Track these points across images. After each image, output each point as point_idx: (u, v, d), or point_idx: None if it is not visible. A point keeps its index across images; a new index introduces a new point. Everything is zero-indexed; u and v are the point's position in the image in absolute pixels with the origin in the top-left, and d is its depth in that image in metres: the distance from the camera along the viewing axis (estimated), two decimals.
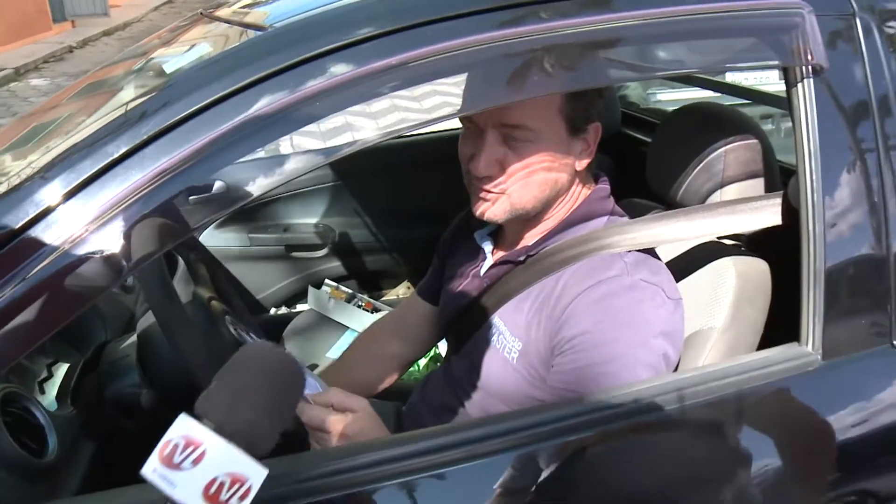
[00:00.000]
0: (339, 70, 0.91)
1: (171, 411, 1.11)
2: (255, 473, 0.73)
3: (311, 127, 0.91)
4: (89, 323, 1.48)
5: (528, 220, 1.29)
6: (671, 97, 3.23)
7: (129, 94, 1.13)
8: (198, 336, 1.21)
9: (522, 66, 0.97)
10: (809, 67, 1.10)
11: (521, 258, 1.32)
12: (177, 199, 0.88)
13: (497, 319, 1.32)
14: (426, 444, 1.02)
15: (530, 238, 1.33)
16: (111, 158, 0.88)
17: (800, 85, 1.11)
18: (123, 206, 0.87)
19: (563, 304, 1.20)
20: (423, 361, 2.13)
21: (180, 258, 1.48)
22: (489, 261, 1.41)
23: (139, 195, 0.87)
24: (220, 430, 0.74)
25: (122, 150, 0.88)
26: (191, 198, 0.89)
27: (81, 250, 0.86)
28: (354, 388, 1.60)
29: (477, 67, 0.96)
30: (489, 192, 1.23)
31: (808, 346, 1.13)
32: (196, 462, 0.71)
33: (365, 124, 0.94)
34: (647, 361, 1.15)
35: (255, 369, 0.81)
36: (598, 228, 1.28)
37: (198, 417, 0.75)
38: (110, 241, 0.87)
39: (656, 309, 1.18)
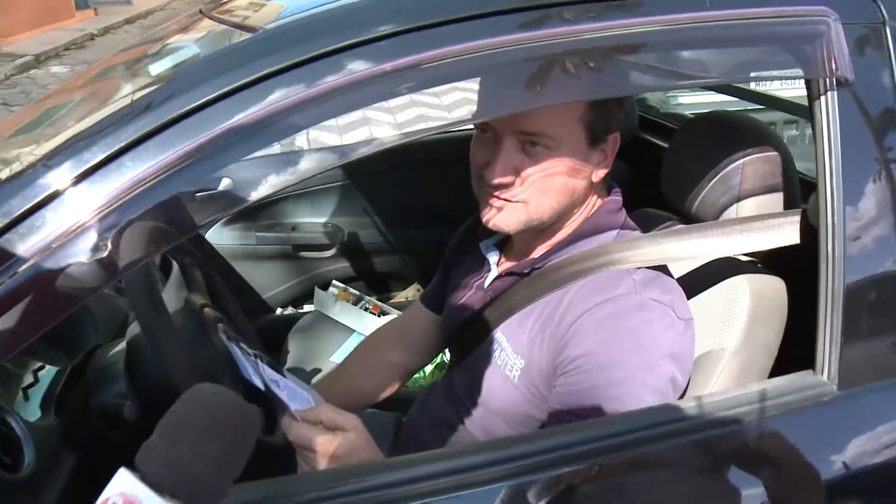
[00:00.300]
0: (357, 67, 0.88)
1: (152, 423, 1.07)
2: None
3: (326, 125, 0.88)
4: (80, 326, 1.46)
5: (538, 231, 1.26)
6: (692, 100, 3.17)
7: (136, 84, 1.09)
8: (183, 345, 1.18)
9: (543, 71, 0.94)
10: (834, 79, 1.05)
11: (526, 271, 1.29)
12: (180, 195, 0.85)
13: (500, 334, 1.29)
14: (416, 471, 0.99)
15: (538, 250, 1.30)
16: (111, 150, 0.84)
17: (823, 97, 1.06)
18: (122, 200, 0.83)
19: (568, 323, 1.17)
20: (429, 368, 2.11)
21: (175, 262, 1.45)
22: (494, 272, 1.38)
23: (139, 190, 0.84)
24: (160, 487, 0.69)
25: (123, 143, 0.84)
26: (197, 195, 0.86)
27: (73, 247, 0.83)
28: (354, 396, 1.61)
29: (495, 71, 0.94)
30: (504, 200, 1.20)
31: (823, 375, 1.09)
32: None
33: (383, 124, 0.92)
34: (654, 386, 1.11)
35: (200, 418, 0.76)
36: (608, 242, 1.25)
37: (138, 471, 0.70)
38: (105, 238, 0.83)
39: (665, 330, 1.14)
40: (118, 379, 1.28)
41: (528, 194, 1.18)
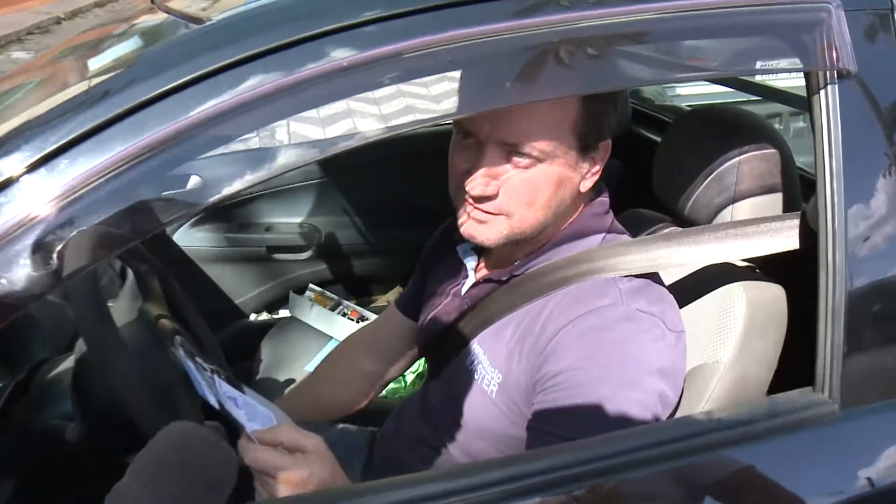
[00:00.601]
0: (339, 55, 0.84)
1: (103, 447, 1.02)
2: None
3: (304, 116, 0.84)
4: (26, 337, 1.40)
5: (520, 241, 1.21)
6: (692, 91, 3.12)
7: (94, 69, 1.06)
8: (134, 360, 1.13)
9: (534, 63, 0.90)
10: (835, 71, 1.01)
11: (505, 278, 1.24)
12: (140, 191, 0.81)
13: (476, 346, 1.25)
14: (384, 499, 0.94)
15: (517, 257, 1.25)
16: (64, 140, 0.80)
17: (823, 91, 1.02)
18: (73, 196, 0.79)
19: (549, 335, 1.13)
20: (409, 378, 2.07)
21: (129, 270, 1.39)
22: (471, 279, 1.33)
23: (93, 185, 0.79)
24: None
25: (78, 132, 0.80)
26: (160, 192, 0.82)
27: (15, 247, 0.79)
28: (326, 407, 1.56)
29: (477, 64, 0.89)
30: (484, 213, 1.15)
31: (824, 393, 1.04)
32: None
33: (367, 116, 0.89)
34: (641, 403, 1.07)
35: (171, 460, 0.74)
36: (592, 248, 1.20)
37: None
38: (51, 237, 0.79)
39: (654, 343, 1.10)
40: (65, 397, 1.22)
41: (512, 207, 1.14)
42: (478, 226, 1.16)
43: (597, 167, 1.19)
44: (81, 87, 0.92)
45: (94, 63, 1.08)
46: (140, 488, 0.71)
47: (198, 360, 1.26)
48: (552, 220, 1.18)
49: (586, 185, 1.19)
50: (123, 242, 0.84)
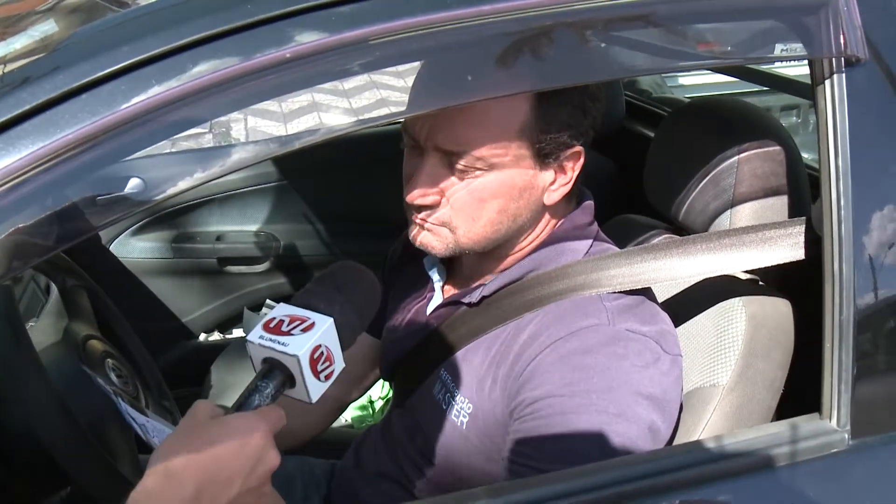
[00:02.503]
0: (303, 38, 0.83)
1: (15, 490, 1.00)
2: (339, 362, 0.94)
3: (258, 109, 0.84)
4: None
5: (483, 253, 1.21)
6: (694, 81, 3.14)
7: (10, 51, 1.04)
8: (50, 389, 1.12)
9: (503, 53, 0.90)
10: (842, 59, 1.01)
11: (476, 300, 1.23)
12: (67, 193, 0.80)
13: (444, 372, 1.25)
14: None
15: (487, 273, 1.25)
16: None
17: (828, 81, 1.02)
18: None
19: (526, 360, 1.12)
20: (378, 404, 2.07)
21: (53, 285, 1.38)
22: (437, 297, 1.33)
23: (11, 183, 0.78)
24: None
25: None
26: (90, 194, 0.81)
27: None
28: (278, 437, 1.53)
29: (421, 56, 0.89)
30: (427, 222, 1.15)
31: (832, 420, 1.04)
32: (305, 330, 0.90)
33: (333, 109, 0.89)
34: (627, 435, 1.06)
35: (344, 277, 1.00)
36: (573, 263, 1.19)
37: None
38: None
39: (643, 368, 1.10)
40: None
41: (455, 220, 1.14)
42: (424, 233, 1.16)
43: (567, 176, 1.17)
44: None
45: (7, 45, 1.06)
46: (328, 290, 0.96)
47: (137, 383, 1.26)
48: (508, 234, 1.17)
49: (552, 198, 1.17)
50: (42, 252, 0.83)
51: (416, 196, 1.12)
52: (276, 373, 0.91)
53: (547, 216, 1.21)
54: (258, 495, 0.87)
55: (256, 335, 0.90)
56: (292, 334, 0.89)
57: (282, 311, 0.93)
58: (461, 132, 1.08)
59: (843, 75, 1.01)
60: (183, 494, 0.80)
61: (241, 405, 0.90)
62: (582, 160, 1.17)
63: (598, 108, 1.16)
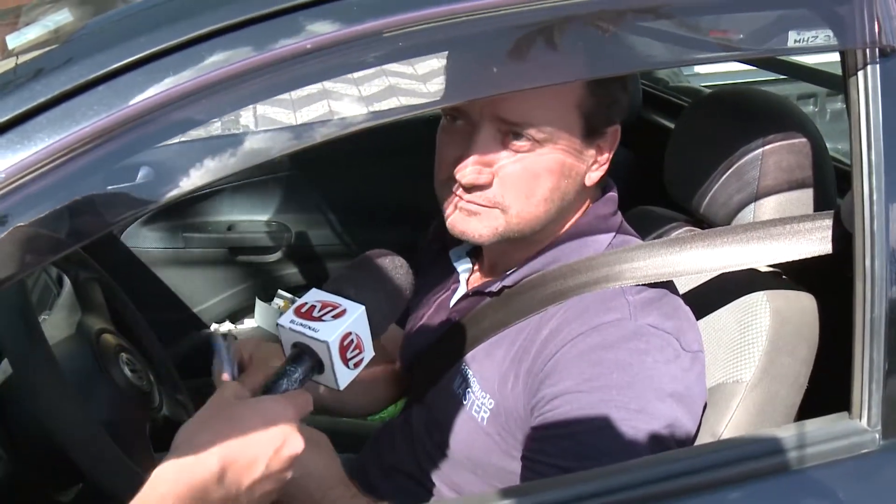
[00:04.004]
0: (318, 29, 0.82)
1: (30, 484, 0.99)
2: (369, 350, 0.95)
3: (273, 102, 0.82)
4: None
5: (514, 240, 1.19)
6: (712, 70, 3.12)
7: (18, 43, 1.03)
8: (66, 383, 1.12)
9: (539, 42, 0.89)
10: (876, 49, 0.99)
11: (496, 289, 1.23)
12: (82, 187, 0.78)
13: (465, 367, 1.24)
14: None
15: (512, 264, 1.24)
16: None
17: (861, 72, 1.01)
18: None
19: (547, 355, 1.11)
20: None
21: (66, 278, 1.38)
22: (461, 289, 1.32)
23: (21, 181, 0.77)
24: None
25: (5, 118, 0.77)
26: (106, 187, 0.80)
27: None
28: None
29: (475, 43, 0.88)
30: (476, 204, 1.13)
31: (862, 420, 1.03)
32: (336, 317, 0.92)
33: (348, 101, 0.88)
34: (649, 433, 1.06)
35: (376, 265, 1.02)
36: (596, 255, 1.18)
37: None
38: None
39: (665, 364, 1.09)
40: None
41: (508, 199, 1.12)
42: (468, 219, 1.14)
43: (604, 156, 1.17)
44: (6, 64, 0.90)
45: (18, 37, 1.05)
46: (359, 277, 0.99)
47: (152, 376, 1.27)
48: (553, 216, 1.16)
49: (592, 178, 1.17)
50: (58, 248, 0.82)
51: (470, 174, 1.10)
52: (306, 358, 0.92)
53: (581, 203, 1.21)
54: (279, 481, 0.87)
55: (287, 319, 0.92)
56: (323, 320, 0.91)
57: (314, 296, 0.95)
58: (521, 102, 1.07)
59: (877, 66, 1.00)
60: (207, 472, 0.81)
61: (269, 388, 0.91)
62: (617, 140, 1.18)
63: (634, 85, 1.16)
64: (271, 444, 0.85)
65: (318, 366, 0.92)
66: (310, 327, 0.91)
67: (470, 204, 1.13)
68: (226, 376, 0.99)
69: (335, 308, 0.93)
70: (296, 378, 0.91)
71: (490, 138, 1.09)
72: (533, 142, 1.09)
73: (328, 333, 0.90)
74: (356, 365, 0.94)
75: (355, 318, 0.92)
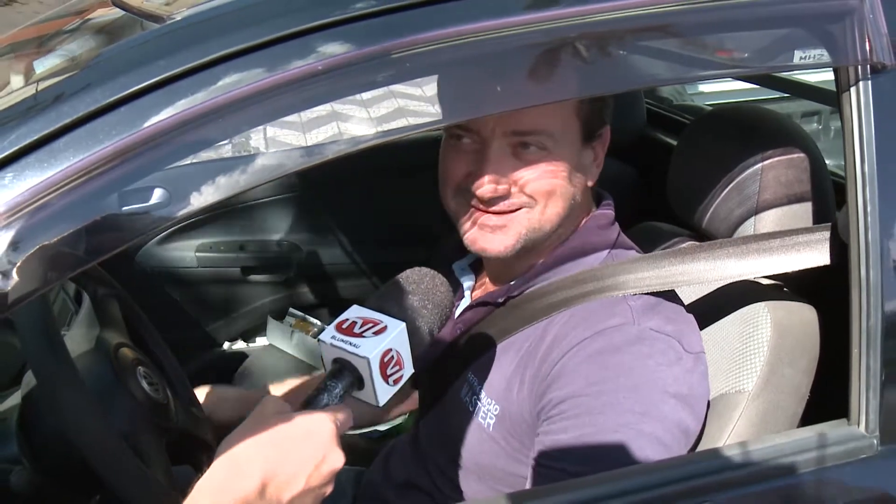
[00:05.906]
0: (330, 51, 0.84)
1: (52, 495, 1.00)
2: (408, 367, 0.96)
3: (284, 122, 0.85)
4: None
5: (528, 248, 1.21)
6: (715, 88, 3.13)
7: (43, 70, 1.04)
8: (87, 396, 1.12)
9: (547, 61, 0.93)
10: (867, 66, 1.01)
11: (501, 300, 1.25)
12: (96, 208, 0.81)
13: (471, 376, 1.26)
14: None
15: (516, 273, 1.26)
16: (10, 150, 0.79)
17: (854, 88, 1.03)
18: (19, 213, 0.79)
19: (553, 360, 1.13)
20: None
21: (85, 294, 1.39)
22: (466, 300, 1.34)
23: (42, 201, 0.79)
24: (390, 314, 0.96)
25: (24, 142, 0.79)
26: (122, 207, 0.81)
27: None
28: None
29: (484, 62, 0.90)
30: (498, 214, 1.16)
31: (860, 426, 1.05)
32: (377, 333, 0.93)
33: (356, 121, 0.89)
34: (655, 434, 1.07)
35: (416, 282, 1.05)
36: (600, 266, 1.21)
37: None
38: None
39: (669, 366, 1.11)
40: (10, 437, 1.21)
41: (533, 196, 1.15)
42: (490, 236, 1.17)
43: (598, 158, 1.21)
44: (28, 90, 0.93)
45: (43, 63, 1.07)
46: (398, 294, 1.02)
47: (170, 390, 1.28)
48: (566, 217, 1.19)
49: (592, 178, 1.21)
50: (78, 264, 0.84)
51: (489, 187, 1.12)
52: (346, 373, 0.93)
53: (583, 205, 1.24)
54: (319, 496, 0.88)
55: (329, 335, 0.93)
56: (364, 336, 0.92)
57: (355, 312, 0.96)
58: (532, 113, 1.10)
59: (869, 82, 1.02)
60: (249, 487, 0.82)
61: (309, 403, 0.91)
62: (608, 139, 1.22)
63: (639, 105, 1.18)
64: (312, 460, 0.85)
65: (358, 382, 0.93)
66: (351, 343, 0.92)
67: (492, 217, 1.16)
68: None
69: (376, 325, 0.93)
70: (336, 393, 0.92)
71: (502, 152, 1.12)
72: (541, 149, 1.12)
73: (369, 349, 0.91)
74: (396, 381, 0.94)
75: (396, 334, 0.93)
